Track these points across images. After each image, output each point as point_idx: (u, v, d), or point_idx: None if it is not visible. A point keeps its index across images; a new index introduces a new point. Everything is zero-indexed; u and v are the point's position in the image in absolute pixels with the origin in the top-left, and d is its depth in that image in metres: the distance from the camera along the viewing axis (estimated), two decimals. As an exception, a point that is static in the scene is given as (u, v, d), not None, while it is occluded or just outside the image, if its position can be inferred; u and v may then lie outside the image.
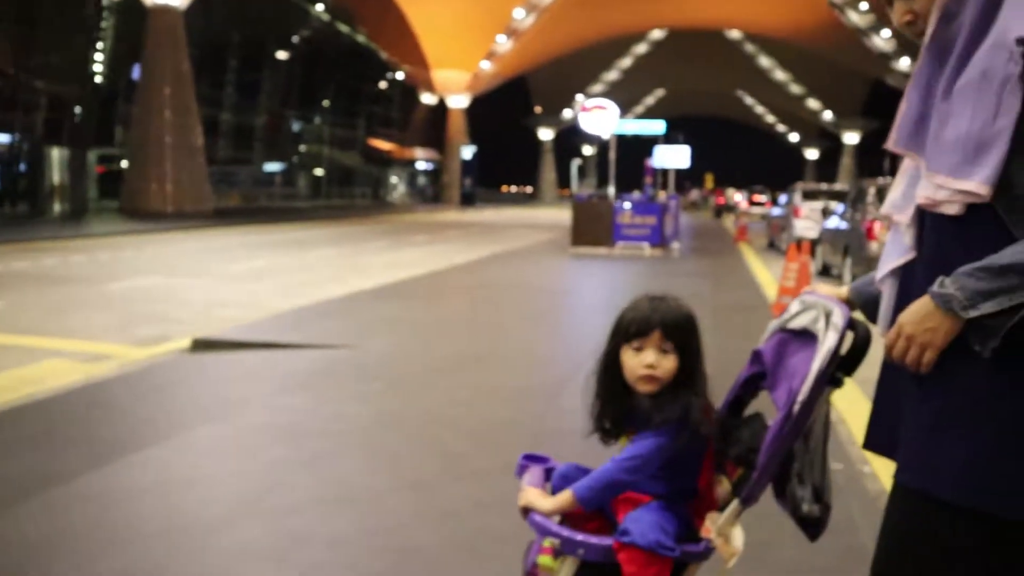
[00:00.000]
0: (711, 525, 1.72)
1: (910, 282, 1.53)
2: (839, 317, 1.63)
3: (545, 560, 1.77)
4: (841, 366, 1.63)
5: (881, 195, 11.11)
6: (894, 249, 1.59)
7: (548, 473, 1.97)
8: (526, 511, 1.82)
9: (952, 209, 1.42)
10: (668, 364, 1.81)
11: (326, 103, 54.50)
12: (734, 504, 1.72)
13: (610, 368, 1.90)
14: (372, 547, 2.96)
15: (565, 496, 1.80)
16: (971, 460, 1.38)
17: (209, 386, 5.46)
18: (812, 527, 1.72)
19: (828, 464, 1.73)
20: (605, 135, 18.53)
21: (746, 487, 1.70)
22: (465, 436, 4.26)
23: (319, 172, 54.43)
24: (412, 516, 3.22)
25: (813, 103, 78.13)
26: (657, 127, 22.76)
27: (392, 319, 8.01)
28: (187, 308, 8.92)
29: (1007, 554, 1.39)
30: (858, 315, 1.73)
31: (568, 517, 1.87)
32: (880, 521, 1.53)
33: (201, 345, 6.50)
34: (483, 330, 7.66)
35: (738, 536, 1.72)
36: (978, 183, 1.38)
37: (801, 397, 1.60)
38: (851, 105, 74.53)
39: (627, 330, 1.85)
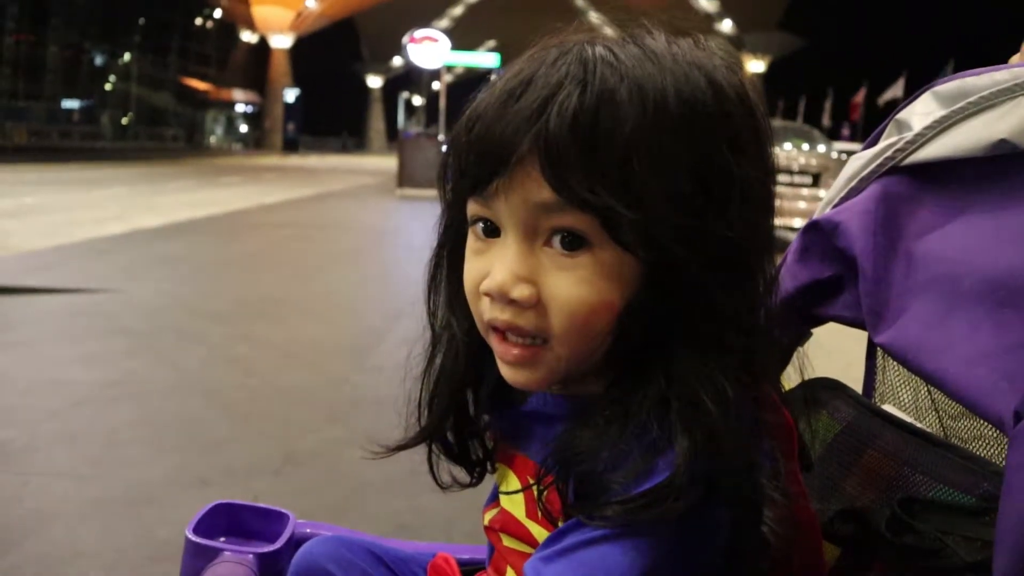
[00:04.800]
0: None
1: None
2: None
3: None
4: None
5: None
6: None
7: (264, 563, 0.77)
8: None
9: None
10: (568, 288, 0.55)
11: (136, 38, 49.72)
12: None
13: (438, 290, 0.70)
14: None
15: None
16: None
17: None
18: None
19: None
20: (435, 67, 17.15)
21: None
22: (225, 411, 2.97)
23: (126, 112, 49.80)
24: (104, 565, 1.93)
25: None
26: (490, 60, 21.40)
27: (172, 259, 6.52)
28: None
29: None
30: None
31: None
32: None
33: None
34: (285, 272, 6.29)
35: None
36: None
37: None
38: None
39: (459, 164, 0.59)
